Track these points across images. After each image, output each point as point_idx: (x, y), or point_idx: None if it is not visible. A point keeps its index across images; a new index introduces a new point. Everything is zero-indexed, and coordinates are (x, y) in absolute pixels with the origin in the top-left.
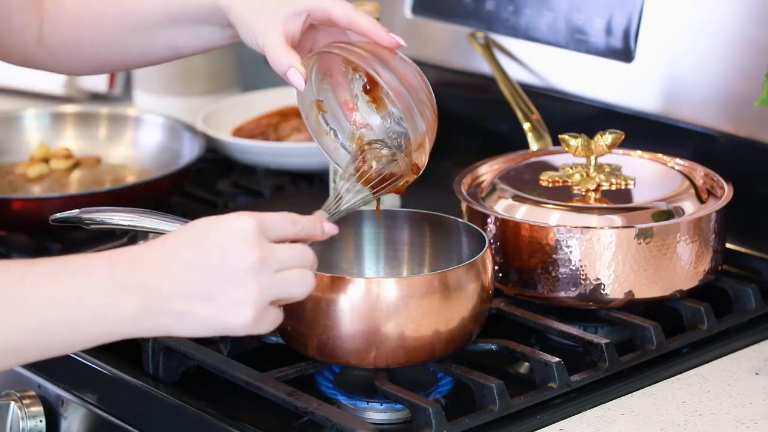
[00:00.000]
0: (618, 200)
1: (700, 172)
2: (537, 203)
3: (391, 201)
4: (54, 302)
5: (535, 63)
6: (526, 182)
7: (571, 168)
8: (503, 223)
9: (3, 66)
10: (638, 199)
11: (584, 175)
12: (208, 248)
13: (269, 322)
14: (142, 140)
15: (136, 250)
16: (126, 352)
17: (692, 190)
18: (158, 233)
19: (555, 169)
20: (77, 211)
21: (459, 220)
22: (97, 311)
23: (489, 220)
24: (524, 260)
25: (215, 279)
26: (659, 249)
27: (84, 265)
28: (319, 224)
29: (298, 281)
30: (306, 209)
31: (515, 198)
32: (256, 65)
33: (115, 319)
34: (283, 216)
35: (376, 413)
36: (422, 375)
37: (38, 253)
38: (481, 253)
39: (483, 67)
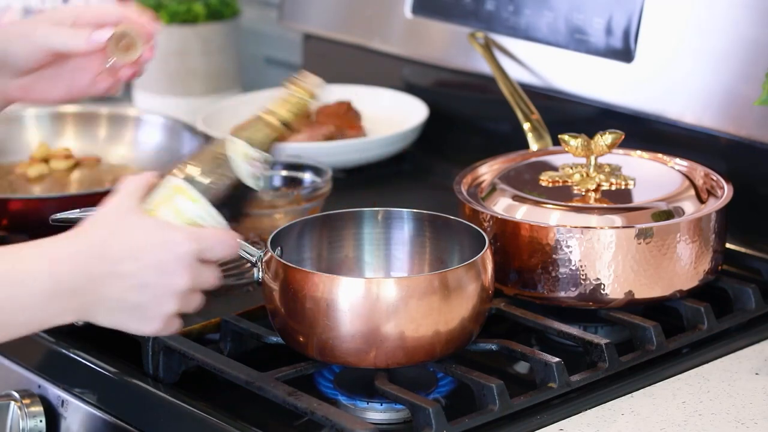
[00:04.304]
0: (618, 200)
1: (700, 172)
2: (537, 203)
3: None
4: None
5: (535, 63)
6: (526, 182)
7: (571, 168)
8: (503, 223)
9: None
10: (638, 199)
11: (584, 175)
12: (148, 265)
13: (173, 329)
14: (142, 140)
15: (75, 250)
16: (126, 352)
17: (692, 190)
18: None
19: (555, 169)
20: (77, 211)
21: (459, 220)
22: (36, 314)
23: (489, 220)
24: (524, 260)
25: (148, 295)
26: (659, 249)
27: (26, 273)
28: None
29: (195, 301)
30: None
31: (515, 198)
32: (256, 65)
33: (52, 317)
34: (226, 240)
35: (376, 413)
36: (422, 375)
37: None
38: (481, 253)
39: (483, 67)
